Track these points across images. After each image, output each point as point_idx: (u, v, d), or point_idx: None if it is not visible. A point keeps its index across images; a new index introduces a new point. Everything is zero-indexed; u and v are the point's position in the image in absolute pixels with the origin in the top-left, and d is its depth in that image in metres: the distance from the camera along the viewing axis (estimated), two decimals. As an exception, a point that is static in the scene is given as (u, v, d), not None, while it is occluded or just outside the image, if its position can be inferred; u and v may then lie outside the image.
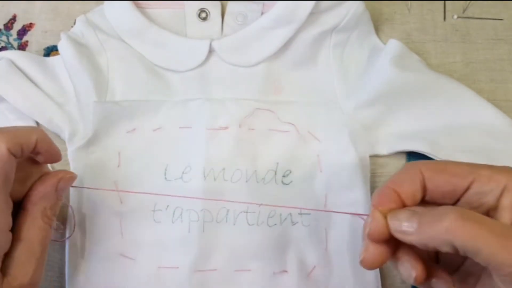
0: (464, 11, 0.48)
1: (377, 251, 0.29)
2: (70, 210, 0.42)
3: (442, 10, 0.48)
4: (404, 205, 0.29)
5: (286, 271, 0.41)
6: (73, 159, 0.42)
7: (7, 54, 0.44)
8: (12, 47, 0.47)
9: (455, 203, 0.29)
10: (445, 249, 0.26)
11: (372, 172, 0.44)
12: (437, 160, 0.30)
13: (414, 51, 0.44)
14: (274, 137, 0.43)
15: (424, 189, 0.29)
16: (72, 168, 0.42)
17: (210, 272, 0.40)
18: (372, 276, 0.41)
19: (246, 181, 0.42)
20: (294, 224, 0.41)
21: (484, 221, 0.26)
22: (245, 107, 0.43)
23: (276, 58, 0.44)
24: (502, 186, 0.27)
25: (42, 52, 0.47)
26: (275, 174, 0.42)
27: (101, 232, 0.42)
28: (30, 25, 0.48)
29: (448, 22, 0.48)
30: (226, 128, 0.42)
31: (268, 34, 0.43)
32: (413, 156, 0.44)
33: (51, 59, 0.45)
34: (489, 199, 0.28)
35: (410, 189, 0.29)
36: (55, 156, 0.36)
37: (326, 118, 0.43)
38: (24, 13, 0.48)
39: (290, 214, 0.42)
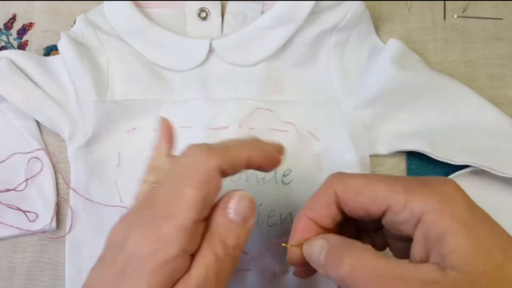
0: (464, 10, 0.48)
1: (303, 269, 0.30)
2: (69, 209, 0.42)
3: (442, 9, 0.48)
4: (323, 229, 0.29)
5: (286, 271, 0.41)
6: (73, 158, 0.42)
7: (7, 54, 0.44)
8: (12, 46, 0.47)
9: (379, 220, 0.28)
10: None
11: (372, 171, 0.44)
12: (357, 177, 0.27)
13: (414, 50, 0.44)
14: (274, 137, 0.43)
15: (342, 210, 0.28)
16: (72, 168, 0.43)
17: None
18: None
19: (246, 181, 0.42)
20: (294, 224, 0.41)
21: (378, 270, 0.24)
22: (245, 107, 0.43)
23: (276, 58, 0.44)
24: (416, 216, 0.25)
25: (42, 52, 0.47)
26: (275, 173, 0.42)
27: (102, 231, 0.41)
28: (30, 25, 0.48)
29: (448, 22, 0.48)
30: (226, 127, 0.42)
31: (268, 34, 0.43)
32: (412, 155, 0.44)
33: (51, 58, 0.45)
34: (405, 228, 0.26)
35: (326, 215, 0.28)
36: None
37: (326, 118, 0.43)
38: (24, 13, 0.48)
39: (290, 213, 0.42)
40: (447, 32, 0.48)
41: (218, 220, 0.26)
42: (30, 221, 0.42)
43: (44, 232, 0.42)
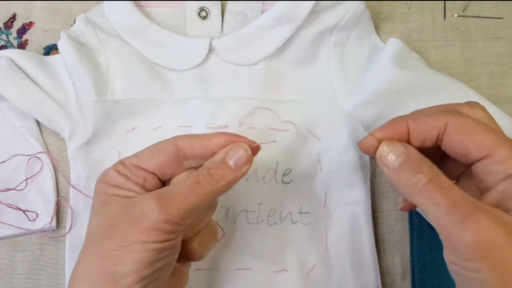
0: (464, 10, 0.48)
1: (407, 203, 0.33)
2: (69, 208, 0.42)
3: (442, 9, 0.48)
4: (407, 143, 0.29)
5: (286, 270, 0.41)
6: (73, 158, 0.42)
7: (7, 53, 0.44)
8: (12, 46, 0.47)
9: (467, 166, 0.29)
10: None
11: (372, 171, 0.44)
12: (469, 117, 0.29)
13: (414, 50, 0.44)
14: (274, 136, 0.43)
15: (439, 140, 0.29)
16: (72, 167, 0.43)
17: (211, 271, 0.40)
18: (372, 275, 0.41)
19: (246, 180, 0.42)
20: (294, 223, 0.41)
21: (453, 192, 0.26)
22: (245, 106, 0.43)
23: (276, 57, 0.44)
24: (509, 172, 0.27)
25: (42, 51, 0.47)
26: (275, 173, 0.42)
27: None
28: (30, 24, 0.48)
29: (448, 21, 0.48)
30: (226, 127, 0.42)
31: (268, 33, 0.43)
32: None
33: (51, 58, 0.45)
34: (491, 179, 0.27)
35: (423, 134, 0.29)
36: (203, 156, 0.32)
37: (326, 117, 0.43)
38: (24, 12, 0.48)
39: (290, 213, 0.42)
40: (447, 32, 0.48)
41: (212, 158, 0.31)
42: (30, 220, 0.42)
43: (44, 231, 0.42)
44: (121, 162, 0.31)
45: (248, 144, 0.31)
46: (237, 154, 0.30)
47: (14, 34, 0.47)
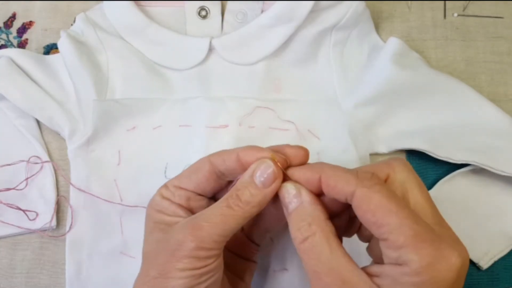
0: (464, 9, 0.48)
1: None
2: (69, 208, 0.42)
3: (442, 8, 0.48)
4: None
5: (286, 269, 0.41)
6: (73, 157, 0.42)
7: (6, 52, 0.44)
8: (12, 45, 0.47)
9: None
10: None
11: (372, 170, 0.44)
12: (374, 196, 0.26)
13: (414, 49, 0.44)
14: (274, 136, 0.43)
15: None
16: (72, 166, 0.43)
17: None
18: None
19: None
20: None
21: (327, 260, 0.27)
22: (245, 106, 0.43)
23: (276, 56, 0.44)
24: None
25: (42, 50, 0.47)
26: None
27: (102, 230, 0.42)
28: (30, 23, 0.48)
29: (448, 20, 0.48)
30: (226, 126, 0.42)
31: (268, 32, 0.43)
32: (412, 154, 0.44)
33: (51, 57, 0.45)
34: (386, 259, 0.26)
35: (332, 195, 0.28)
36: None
37: (326, 117, 0.43)
38: (24, 11, 0.48)
39: (290, 212, 0.42)
40: (447, 31, 0.48)
41: (242, 178, 0.30)
42: (30, 220, 0.42)
43: (44, 230, 0.42)
44: (165, 185, 0.32)
45: (272, 158, 0.30)
46: (262, 171, 0.29)
47: (14, 33, 0.47)
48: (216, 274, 0.30)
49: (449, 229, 0.27)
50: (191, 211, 0.32)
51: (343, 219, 0.32)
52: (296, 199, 0.29)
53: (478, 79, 0.47)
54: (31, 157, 0.43)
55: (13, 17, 0.48)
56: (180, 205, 0.31)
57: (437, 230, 0.26)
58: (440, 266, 0.24)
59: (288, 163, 0.30)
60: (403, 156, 0.45)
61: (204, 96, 0.44)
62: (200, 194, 0.32)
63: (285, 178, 0.30)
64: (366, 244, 0.32)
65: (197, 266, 0.28)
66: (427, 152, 0.42)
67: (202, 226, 0.29)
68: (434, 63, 0.47)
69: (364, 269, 0.27)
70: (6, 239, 0.43)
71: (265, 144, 0.42)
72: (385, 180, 0.28)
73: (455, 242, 0.26)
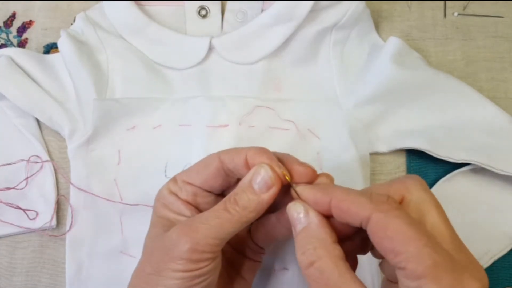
0: (464, 8, 0.48)
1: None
2: (69, 207, 0.42)
3: (443, 7, 0.48)
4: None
5: (286, 269, 0.41)
6: (73, 156, 0.42)
7: (6, 52, 0.44)
8: (11, 44, 0.47)
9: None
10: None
11: (372, 169, 0.44)
12: (392, 222, 0.25)
13: (414, 48, 0.44)
14: (274, 135, 0.43)
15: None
16: (72, 166, 0.43)
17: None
18: (370, 274, 0.41)
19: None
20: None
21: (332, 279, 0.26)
22: (245, 105, 0.43)
23: (276, 56, 0.44)
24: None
25: (42, 50, 0.47)
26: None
27: (102, 229, 0.42)
28: (30, 23, 0.48)
29: (448, 20, 0.48)
30: (226, 125, 0.42)
31: (268, 32, 0.43)
32: (412, 153, 0.44)
33: (51, 56, 0.45)
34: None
35: (345, 220, 0.27)
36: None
37: (326, 116, 0.43)
38: (24, 11, 0.48)
39: (290, 211, 0.42)
40: (447, 30, 0.48)
41: (241, 182, 0.30)
42: (30, 219, 0.42)
43: (44, 230, 0.42)
44: (174, 178, 0.32)
45: (271, 165, 0.29)
46: (259, 176, 0.29)
47: (14, 33, 0.47)
48: (210, 277, 0.29)
49: (468, 253, 0.26)
50: (197, 208, 0.31)
51: (355, 241, 0.30)
52: (303, 220, 0.28)
53: (478, 78, 0.47)
54: (31, 156, 0.43)
55: (13, 16, 0.48)
56: (186, 202, 0.31)
57: (456, 257, 0.25)
58: None
59: (288, 177, 0.29)
60: (403, 155, 0.45)
61: (204, 96, 0.44)
62: (207, 191, 0.31)
63: (294, 197, 0.29)
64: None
65: (191, 268, 0.28)
66: (427, 152, 0.42)
67: (197, 228, 0.28)
68: (434, 62, 0.47)
69: None
70: (6, 239, 0.43)
71: (265, 144, 0.42)
72: (400, 202, 0.27)
73: (476, 269, 0.25)
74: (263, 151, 0.30)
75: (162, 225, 0.30)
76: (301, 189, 0.29)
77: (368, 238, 0.26)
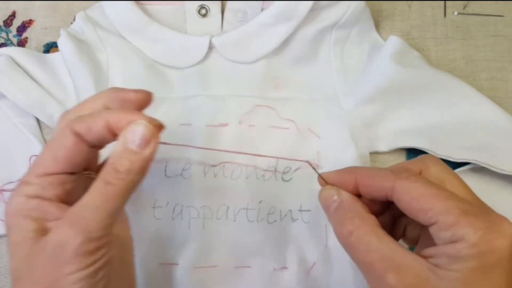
0: (464, 7, 0.48)
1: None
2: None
3: (443, 6, 0.48)
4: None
5: (286, 268, 0.41)
6: (73, 156, 0.42)
7: (6, 51, 0.44)
8: (11, 43, 0.47)
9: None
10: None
11: (372, 169, 0.44)
12: (415, 185, 0.27)
13: (414, 47, 0.44)
14: (274, 134, 0.43)
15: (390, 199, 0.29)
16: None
17: (210, 269, 0.40)
18: None
19: (246, 178, 0.42)
20: (294, 221, 0.41)
21: (372, 245, 0.27)
22: (245, 104, 0.43)
23: (276, 55, 0.44)
24: (455, 239, 0.25)
25: (42, 49, 0.47)
26: (275, 171, 0.42)
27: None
28: (30, 22, 0.48)
29: (448, 19, 0.48)
30: (226, 124, 0.42)
31: (268, 31, 0.43)
32: (412, 152, 0.44)
33: (51, 55, 0.45)
34: (440, 242, 0.26)
35: (371, 194, 0.29)
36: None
37: (326, 115, 0.43)
38: (24, 10, 0.48)
39: (290, 210, 0.42)
40: (447, 29, 0.48)
41: (115, 149, 0.26)
42: (30, 218, 0.42)
43: (44, 229, 0.42)
44: (24, 181, 0.27)
45: (143, 119, 0.27)
46: (136, 134, 0.26)
47: (14, 32, 0.47)
48: (112, 261, 0.26)
49: (491, 209, 0.28)
50: (69, 198, 0.27)
51: (386, 219, 0.32)
52: (336, 199, 0.29)
53: (478, 77, 0.47)
54: (31, 156, 0.43)
55: (13, 15, 0.48)
56: (53, 199, 0.26)
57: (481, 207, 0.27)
58: (494, 234, 0.25)
59: (160, 124, 0.28)
60: (403, 155, 0.45)
61: (204, 95, 0.44)
62: (74, 173, 0.27)
63: (322, 184, 0.31)
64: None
65: (89, 262, 0.25)
66: (427, 151, 0.42)
67: (83, 215, 0.25)
68: (434, 61, 0.47)
69: (416, 253, 0.27)
70: (6, 238, 0.43)
71: (265, 144, 0.42)
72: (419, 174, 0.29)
73: (502, 216, 0.26)
74: (124, 110, 0.28)
75: (30, 240, 0.25)
76: (327, 175, 0.31)
77: (397, 220, 0.30)
